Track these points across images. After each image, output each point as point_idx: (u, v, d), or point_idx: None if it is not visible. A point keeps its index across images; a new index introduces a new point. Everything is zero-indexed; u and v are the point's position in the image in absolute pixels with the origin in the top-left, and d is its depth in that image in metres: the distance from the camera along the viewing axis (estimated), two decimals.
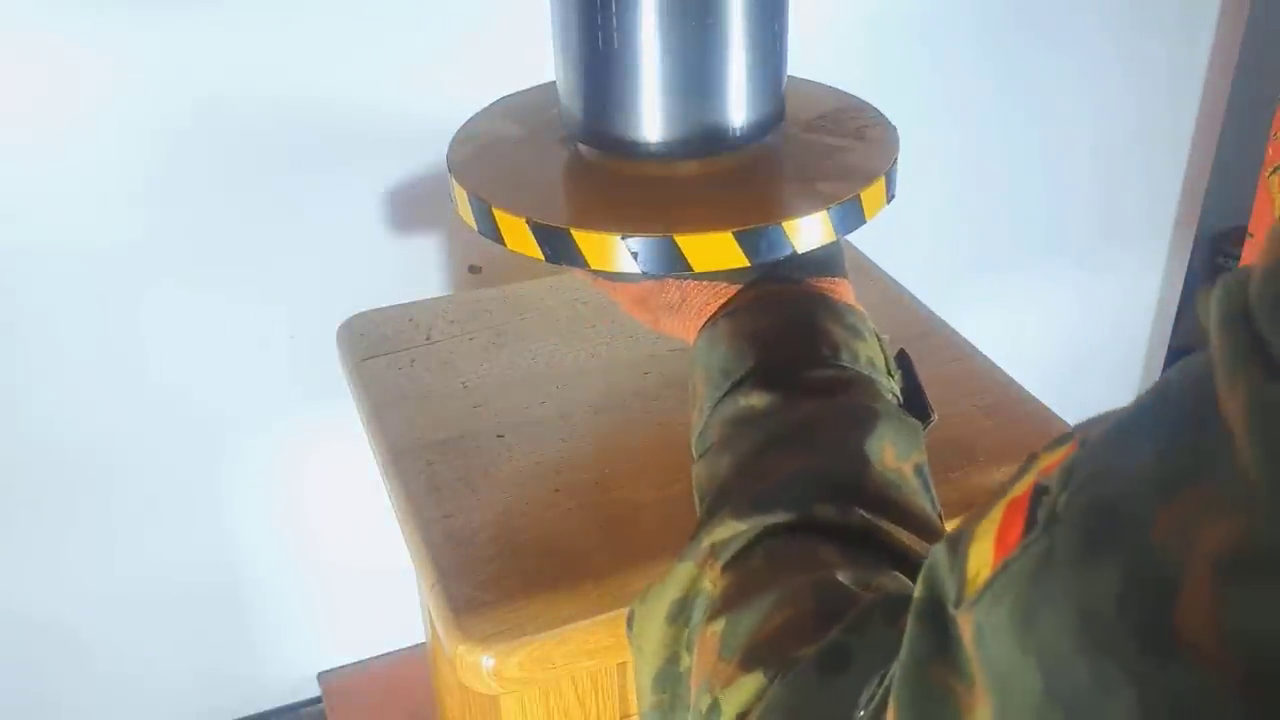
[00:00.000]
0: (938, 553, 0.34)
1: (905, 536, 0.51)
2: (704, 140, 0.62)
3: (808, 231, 0.59)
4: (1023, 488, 0.31)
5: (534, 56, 0.74)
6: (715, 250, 0.58)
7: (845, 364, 0.58)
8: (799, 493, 0.52)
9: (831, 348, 0.58)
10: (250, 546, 1.32)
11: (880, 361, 0.60)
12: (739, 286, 0.61)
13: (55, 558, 1.23)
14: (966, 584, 0.32)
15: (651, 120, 0.62)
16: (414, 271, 1.23)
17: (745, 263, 0.58)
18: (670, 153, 0.62)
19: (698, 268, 0.58)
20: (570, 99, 0.64)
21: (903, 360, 0.62)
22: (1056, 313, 1.64)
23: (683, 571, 0.53)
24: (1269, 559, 0.23)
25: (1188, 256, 1.69)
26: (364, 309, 0.98)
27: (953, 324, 0.97)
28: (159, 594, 1.29)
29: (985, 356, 0.93)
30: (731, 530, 0.52)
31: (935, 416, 0.61)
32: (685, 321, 0.63)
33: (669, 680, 0.53)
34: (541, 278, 0.99)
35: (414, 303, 0.99)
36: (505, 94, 0.74)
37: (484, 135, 0.70)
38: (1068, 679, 0.27)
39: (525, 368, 0.91)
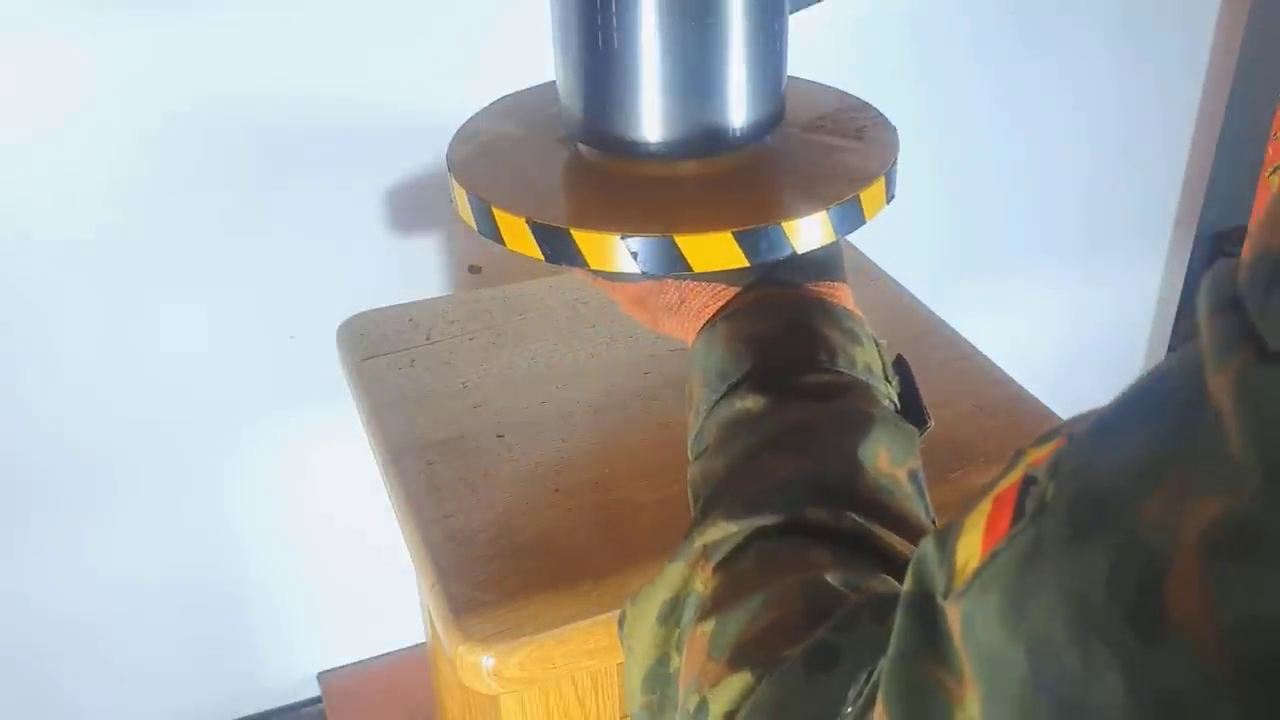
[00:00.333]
0: (926, 546, 0.35)
1: (897, 541, 0.51)
2: (704, 140, 0.62)
3: (807, 232, 0.59)
4: (1010, 481, 0.31)
5: (534, 56, 0.74)
6: (715, 250, 0.58)
7: (842, 369, 0.58)
8: (791, 495, 0.52)
9: (829, 353, 0.58)
10: (250, 546, 1.32)
11: (878, 367, 0.60)
12: (738, 289, 0.61)
13: (55, 557, 1.23)
14: (955, 575, 0.32)
15: (651, 120, 0.62)
16: (414, 271, 1.23)
17: (745, 263, 0.58)
18: (670, 153, 0.62)
19: (697, 268, 0.58)
20: (570, 99, 0.64)
21: (900, 366, 0.62)
22: (1057, 312, 1.64)
23: (674, 572, 0.53)
24: (1254, 535, 0.23)
25: (1188, 256, 1.69)
26: (364, 309, 0.98)
27: (953, 324, 0.97)
28: (159, 593, 1.29)
29: (985, 356, 0.93)
30: (723, 531, 0.52)
31: (932, 423, 0.61)
32: (684, 322, 0.63)
33: (658, 681, 0.53)
34: (541, 278, 0.99)
35: (414, 303, 0.99)
36: (505, 94, 0.74)
37: (484, 135, 0.70)
38: (1055, 665, 0.27)
39: (525, 368, 0.91)
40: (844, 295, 0.62)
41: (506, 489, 0.79)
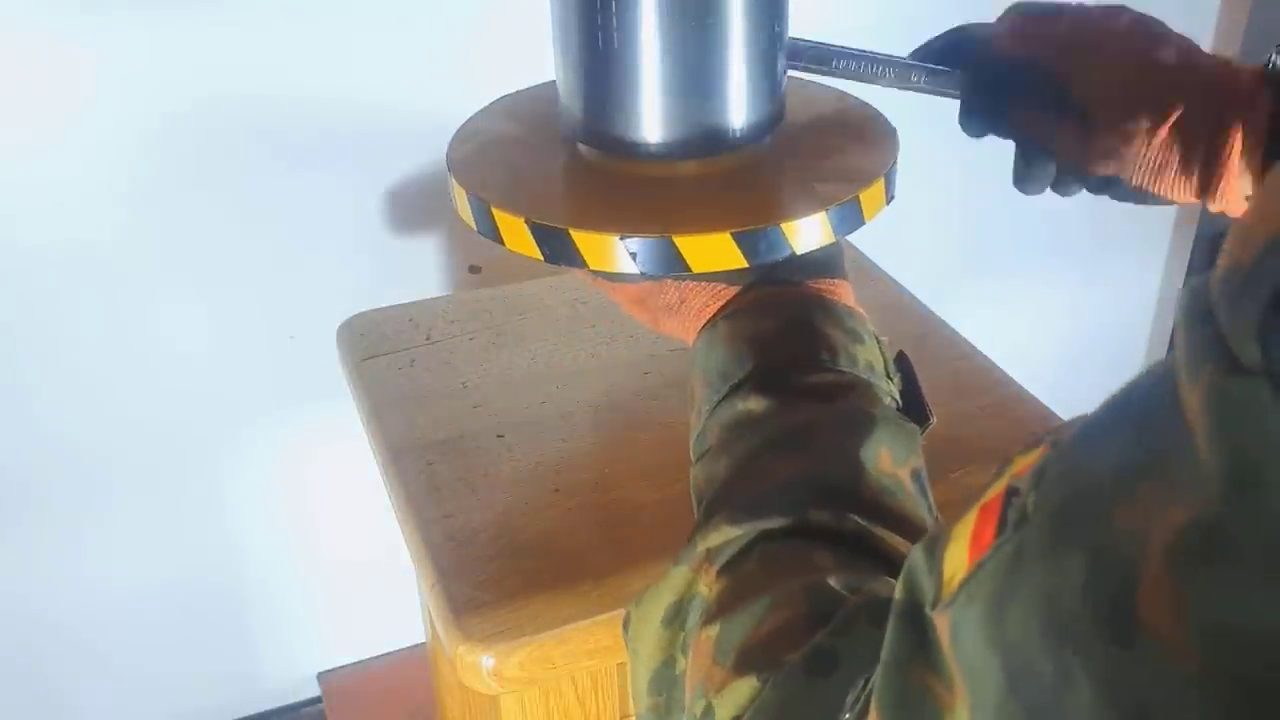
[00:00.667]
0: (916, 555, 0.35)
1: (899, 543, 0.51)
2: (703, 141, 0.62)
3: (807, 232, 0.59)
4: (996, 491, 0.32)
5: (534, 56, 0.74)
6: (714, 251, 0.58)
7: (844, 368, 0.57)
8: (794, 498, 0.52)
9: (830, 351, 0.58)
10: (250, 546, 1.32)
11: (879, 365, 0.60)
12: (738, 288, 0.61)
13: (55, 557, 1.23)
14: (943, 585, 0.33)
15: (651, 121, 0.62)
16: (414, 271, 1.23)
17: (744, 263, 0.58)
18: (670, 153, 0.62)
19: (696, 268, 0.58)
20: (570, 99, 0.64)
21: (902, 363, 0.62)
22: (1057, 312, 1.64)
23: (678, 575, 0.53)
24: (1220, 543, 0.24)
25: (1188, 257, 1.69)
26: (364, 309, 0.98)
27: (953, 324, 0.97)
28: (159, 593, 1.29)
29: (985, 356, 0.93)
30: (726, 535, 0.52)
31: (934, 420, 0.61)
32: (684, 322, 0.63)
33: (665, 683, 0.53)
34: (541, 278, 0.99)
35: (414, 303, 0.99)
36: (505, 94, 0.74)
37: (484, 135, 0.70)
38: (1030, 675, 0.28)
39: (525, 368, 0.91)
40: (845, 293, 0.62)
41: (506, 489, 0.79)
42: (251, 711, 1.42)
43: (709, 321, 0.61)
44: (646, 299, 0.64)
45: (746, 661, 0.47)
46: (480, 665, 0.68)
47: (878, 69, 0.70)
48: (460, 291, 1.23)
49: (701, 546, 0.52)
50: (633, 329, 0.94)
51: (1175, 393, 0.26)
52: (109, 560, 1.25)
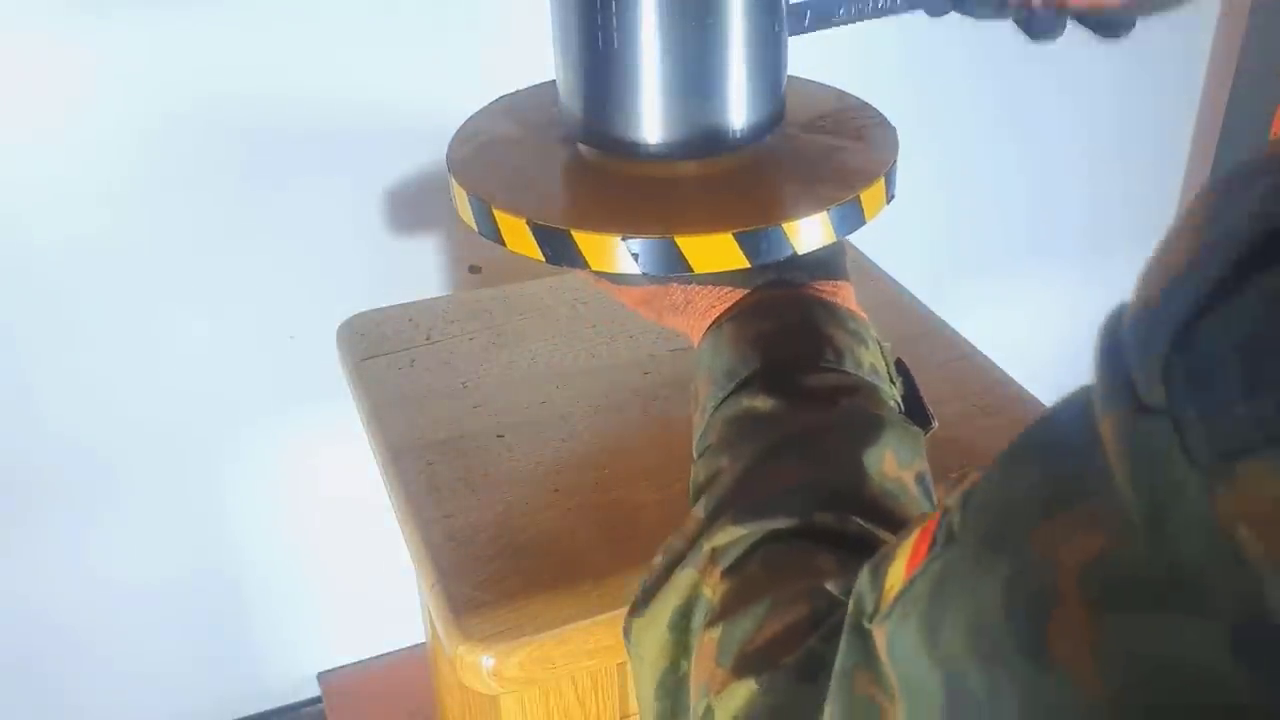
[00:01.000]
0: (864, 571, 0.36)
1: None
2: (704, 141, 0.62)
3: (808, 232, 0.59)
4: (938, 510, 0.33)
5: (534, 56, 0.74)
6: (716, 251, 0.58)
7: (849, 370, 0.58)
8: (799, 500, 0.52)
9: (835, 353, 0.58)
10: (250, 546, 1.32)
11: (882, 368, 0.60)
12: (744, 291, 0.61)
13: (56, 558, 1.23)
14: (881, 599, 0.34)
15: (651, 121, 0.62)
16: (414, 271, 1.23)
17: (746, 264, 0.58)
18: (670, 153, 0.62)
19: (698, 269, 0.58)
20: (570, 99, 0.64)
21: (901, 368, 0.62)
22: (1056, 312, 1.64)
23: (684, 579, 0.53)
24: (1130, 578, 0.24)
25: None
26: (364, 309, 0.98)
27: (953, 324, 0.97)
28: (159, 593, 1.29)
29: (985, 356, 0.93)
30: (732, 535, 0.52)
31: (935, 424, 0.61)
32: (689, 321, 0.63)
33: (671, 687, 0.53)
34: (541, 278, 0.99)
35: (414, 303, 0.99)
36: (505, 94, 0.74)
37: (484, 135, 0.70)
38: (965, 689, 0.28)
39: (525, 368, 0.91)
40: (847, 295, 0.62)
41: (506, 489, 0.79)
42: (251, 711, 1.42)
43: (714, 323, 0.61)
44: (652, 299, 0.64)
45: (746, 665, 0.47)
46: (480, 665, 0.68)
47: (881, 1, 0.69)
48: (460, 291, 1.23)
49: (707, 547, 0.52)
50: (633, 329, 0.94)
51: (1094, 425, 0.26)
52: (109, 560, 1.25)
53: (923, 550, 0.32)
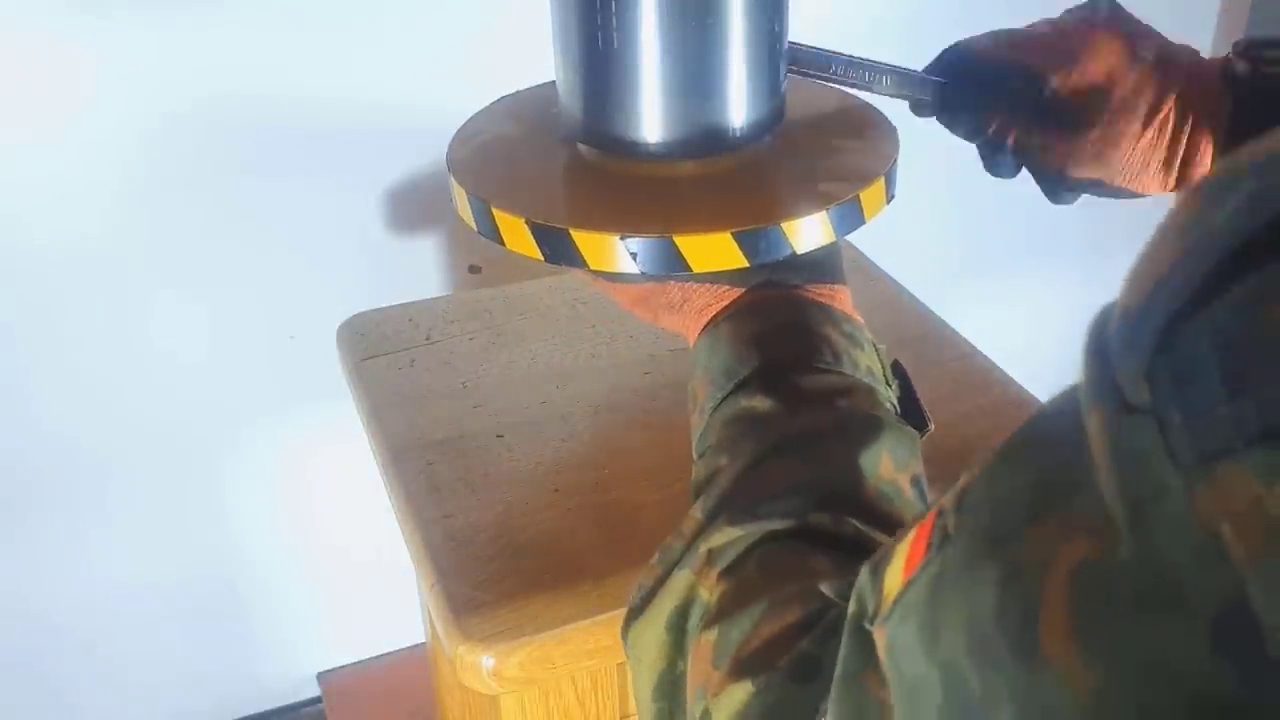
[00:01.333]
0: (863, 572, 0.36)
1: None
2: (703, 140, 0.62)
3: (807, 232, 0.59)
4: (934, 511, 0.33)
5: (534, 56, 0.74)
6: (714, 251, 0.58)
7: (846, 371, 0.58)
8: (796, 501, 0.52)
9: (833, 354, 0.58)
10: (250, 546, 1.32)
11: (878, 371, 0.60)
12: (740, 290, 0.61)
13: (56, 558, 1.23)
14: (881, 601, 0.34)
15: (651, 120, 0.62)
16: (414, 271, 1.23)
17: (745, 263, 0.58)
18: (670, 153, 0.62)
19: (697, 268, 0.58)
20: (570, 99, 0.64)
21: (898, 370, 0.62)
22: (1057, 312, 1.64)
23: (681, 580, 0.53)
24: (1112, 576, 0.25)
25: None
26: (364, 309, 0.98)
27: (953, 324, 0.97)
28: (160, 593, 1.29)
29: (985, 356, 0.93)
30: (728, 537, 0.52)
31: (931, 426, 0.61)
32: (685, 320, 0.63)
33: (669, 688, 0.53)
34: (541, 278, 0.99)
35: (414, 303, 0.99)
36: (505, 94, 0.74)
37: (484, 135, 0.70)
38: (964, 690, 0.28)
39: (525, 368, 0.91)
40: (843, 298, 0.62)
41: (506, 489, 0.79)
42: (251, 711, 1.42)
43: (711, 322, 0.61)
44: (649, 298, 0.64)
45: (741, 667, 0.47)
46: (480, 665, 0.68)
47: (875, 76, 0.70)
48: (460, 291, 1.23)
49: (704, 548, 0.52)
50: (633, 329, 0.94)
51: (1082, 425, 0.27)
52: (109, 560, 1.25)
53: (919, 552, 0.32)
